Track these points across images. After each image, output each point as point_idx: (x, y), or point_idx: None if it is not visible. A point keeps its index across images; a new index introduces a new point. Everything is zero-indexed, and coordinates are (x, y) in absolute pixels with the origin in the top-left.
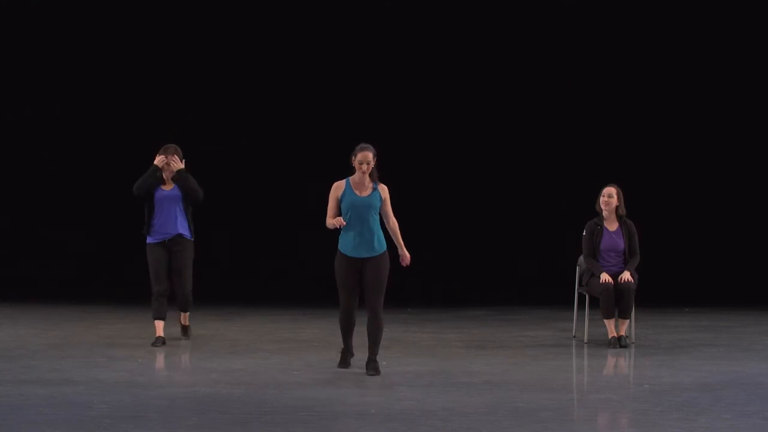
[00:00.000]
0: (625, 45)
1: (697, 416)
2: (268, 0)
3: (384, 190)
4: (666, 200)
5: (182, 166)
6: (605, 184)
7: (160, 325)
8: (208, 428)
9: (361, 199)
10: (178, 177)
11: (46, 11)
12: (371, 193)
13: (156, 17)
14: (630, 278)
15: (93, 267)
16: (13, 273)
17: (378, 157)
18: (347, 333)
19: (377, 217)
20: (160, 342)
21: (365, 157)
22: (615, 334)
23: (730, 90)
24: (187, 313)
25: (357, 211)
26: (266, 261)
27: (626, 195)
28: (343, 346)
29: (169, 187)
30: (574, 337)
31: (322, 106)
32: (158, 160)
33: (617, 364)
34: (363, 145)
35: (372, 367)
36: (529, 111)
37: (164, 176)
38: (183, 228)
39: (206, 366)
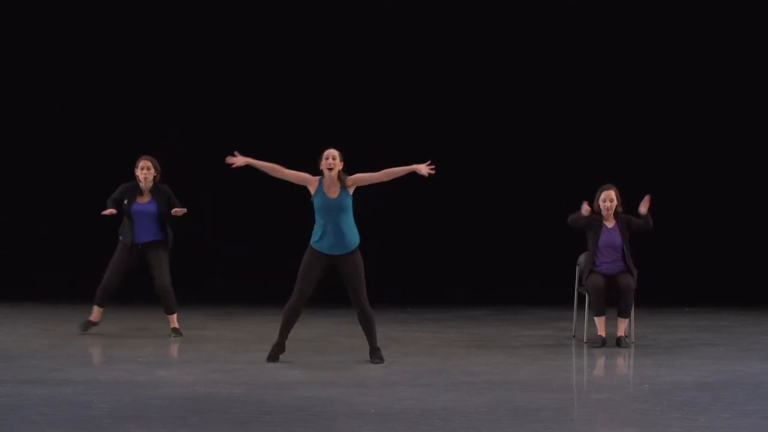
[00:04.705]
0: (625, 45)
1: (697, 416)
2: (267, 0)
3: (349, 181)
4: (666, 200)
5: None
6: (605, 184)
7: (97, 310)
8: (208, 428)
9: (330, 200)
10: (155, 190)
11: (45, 11)
12: (339, 192)
13: (156, 17)
14: (646, 209)
15: (93, 267)
16: (13, 273)
17: (379, 156)
18: (287, 326)
19: (349, 216)
20: (86, 326)
21: (330, 153)
22: (604, 334)
23: (730, 90)
24: (174, 315)
25: (328, 212)
26: (266, 261)
27: (625, 195)
28: (277, 340)
29: (144, 200)
30: (574, 336)
31: (321, 107)
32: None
33: (617, 364)
34: None
35: (376, 355)
36: (528, 111)
37: (141, 187)
38: (159, 236)
39: (206, 366)
